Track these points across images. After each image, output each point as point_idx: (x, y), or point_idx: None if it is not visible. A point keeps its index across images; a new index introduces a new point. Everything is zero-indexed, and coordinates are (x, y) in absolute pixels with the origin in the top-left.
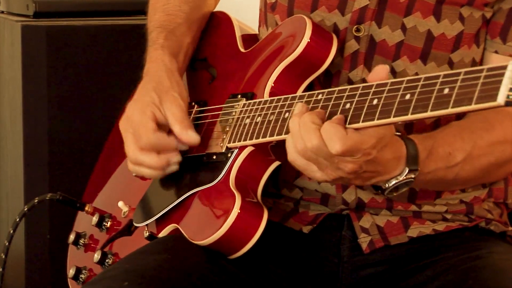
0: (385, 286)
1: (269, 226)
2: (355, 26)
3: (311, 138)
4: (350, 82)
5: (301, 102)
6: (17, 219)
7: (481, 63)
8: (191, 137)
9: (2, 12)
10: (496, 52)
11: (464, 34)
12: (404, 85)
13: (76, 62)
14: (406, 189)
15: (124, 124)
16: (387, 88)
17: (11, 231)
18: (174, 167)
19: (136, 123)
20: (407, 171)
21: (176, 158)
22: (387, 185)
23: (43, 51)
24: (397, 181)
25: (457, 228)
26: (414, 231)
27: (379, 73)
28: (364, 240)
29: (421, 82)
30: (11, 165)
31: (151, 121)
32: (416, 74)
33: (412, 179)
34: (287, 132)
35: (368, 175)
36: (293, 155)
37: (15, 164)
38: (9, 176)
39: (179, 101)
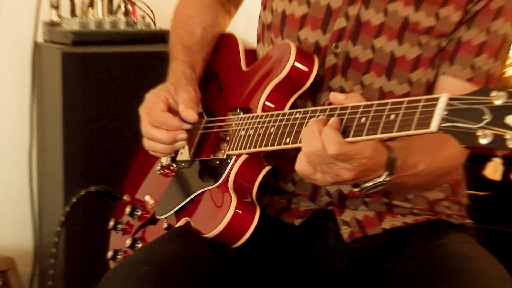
0: (365, 270)
1: (266, 220)
2: (334, 44)
3: (316, 143)
4: (330, 89)
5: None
6: (67, 208)
7: (434, 84)
8: (190, 114)
9: (45, 41)
10: (444, 73)
11: (422, 58)
12: (374, 108)
13: (106, 82)
14: (382, 188)
15: (142, 107)
16: (373, 108)
17: (62, 219)
18: (181, 143)
19: (150, 103)
20: (386, 174)
21: (182, 135)
22: (366, 184)
23: (79, 73)
24: (374, 182)
25: (423, 220)
26: (387, 223)
27: (334, 100)
28: (345, 231)
29: (374, 108)
30: (51, 168)
31: (162, 103)
32: (381, 88)
33: (387, 182)
34: (272, 145)
35: (359, 178)
36: (301, 163)
37: (55, 167)
38: (49, 177)
39: (192, 92)
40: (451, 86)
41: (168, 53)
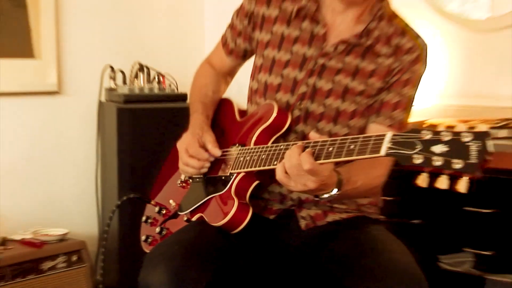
0: (316, 249)
1: (252, 216)
2: (299, 102)
3: (295, 159)
4: (295, 132)
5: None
6: (114, 209)
7: (365, 129)
8: (216, 151)
9: (106, 100)
10: (373, 122)
11: (357, 111)
12: (349, 141)
13: (147, 127)
14: (333, 198)
15: (181, 143)
16: (337, 141)
17: (111, 215)
18: (205, 169)
19: (188, 140)
20: (336, 189)
21: (207, 164)
22: (323, 196)
23: (129, 122)
24: (328, 195)
25: (353, 216)
26: (330, 218)
27: (311, 137)
28: (302, 223)
29: (338, 141)
30: (110, 181)
31: (197, 141)
32: (329, 132)
33: (337, 194)
34: (263, 166)
35: (319, 190)
36: (280, 173)
37: (112, 180)
38: (108, 186)
39: (212, 135)
40: (377, 130)
41: (188, 108)
